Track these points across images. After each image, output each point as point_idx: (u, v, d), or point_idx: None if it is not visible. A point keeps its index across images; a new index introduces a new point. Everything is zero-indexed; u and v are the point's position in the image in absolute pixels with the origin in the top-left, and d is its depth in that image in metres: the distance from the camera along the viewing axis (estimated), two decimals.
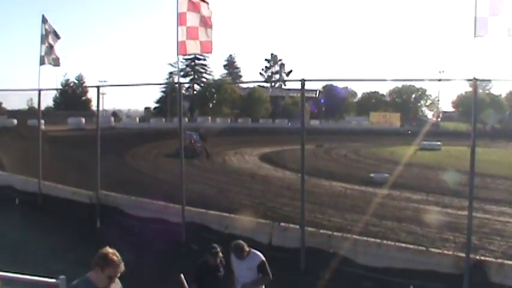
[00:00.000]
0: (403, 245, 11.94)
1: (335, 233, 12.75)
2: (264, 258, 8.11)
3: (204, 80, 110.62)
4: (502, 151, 54.37)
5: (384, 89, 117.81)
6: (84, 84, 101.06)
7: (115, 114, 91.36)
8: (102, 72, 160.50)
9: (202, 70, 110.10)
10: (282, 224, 13.14)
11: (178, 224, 13.81)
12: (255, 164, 38.86)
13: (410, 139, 56.06)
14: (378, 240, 12.17)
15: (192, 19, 13.32)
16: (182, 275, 7.64)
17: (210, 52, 13.82)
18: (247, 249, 8.10)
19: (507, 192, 25.50)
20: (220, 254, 7.82)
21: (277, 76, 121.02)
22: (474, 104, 11.66)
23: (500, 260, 10.62)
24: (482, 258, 10.80)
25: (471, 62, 10.36)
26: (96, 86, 17.52)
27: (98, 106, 18.83)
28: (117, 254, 5.15)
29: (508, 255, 12.84)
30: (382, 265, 11.03)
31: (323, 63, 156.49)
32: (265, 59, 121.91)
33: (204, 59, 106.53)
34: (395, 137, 66.66)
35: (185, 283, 7.61)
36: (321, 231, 12.77)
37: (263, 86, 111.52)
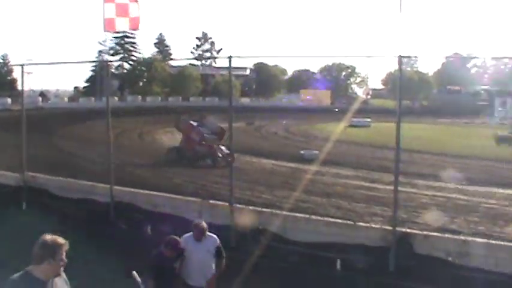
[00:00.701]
0: (332, 219, 12.07)
1: (264, 210, 12.78)
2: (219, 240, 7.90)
3: (133, 58, 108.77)
4: (429, 127, 55.81)
5: (314, 67, 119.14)
6: (9, 63, 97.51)
7: (43, 94, 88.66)
8: (29, 51, 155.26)
9: (132, 48, 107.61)
10: (211, 201, 13.08)
11: (107, 203, 13.54)
12: None
13: (340, 116, 56.83)
14: (307, 216, 12.25)
15: None
16: (135, 272, 7.36)
17: (138, 28, 13.49)
18: (207, 231, 7.78)
19: (433, 167, 26.19)
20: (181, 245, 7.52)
21: (207, 54, 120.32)
22: (400, 80, 11.81)
23: (425, 232, 10.86)
24: (408, 230, 11.02)
25: (397, 39, 10.48)
26: (20, 65, 16.77)
27: (22, 85, 18.11)
28: (57, 236, 4.88)
29: (433, 228, 13.17)
30: (311, 240, 11.10)
31: (254, 42, 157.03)
32: (196, 37, 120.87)
33: (134, 37, 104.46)
34: (326, 115, 67.55)
35: (139, 280, 7.31)
36: (250, 207, 12.78)
37: (194, 65, 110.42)
